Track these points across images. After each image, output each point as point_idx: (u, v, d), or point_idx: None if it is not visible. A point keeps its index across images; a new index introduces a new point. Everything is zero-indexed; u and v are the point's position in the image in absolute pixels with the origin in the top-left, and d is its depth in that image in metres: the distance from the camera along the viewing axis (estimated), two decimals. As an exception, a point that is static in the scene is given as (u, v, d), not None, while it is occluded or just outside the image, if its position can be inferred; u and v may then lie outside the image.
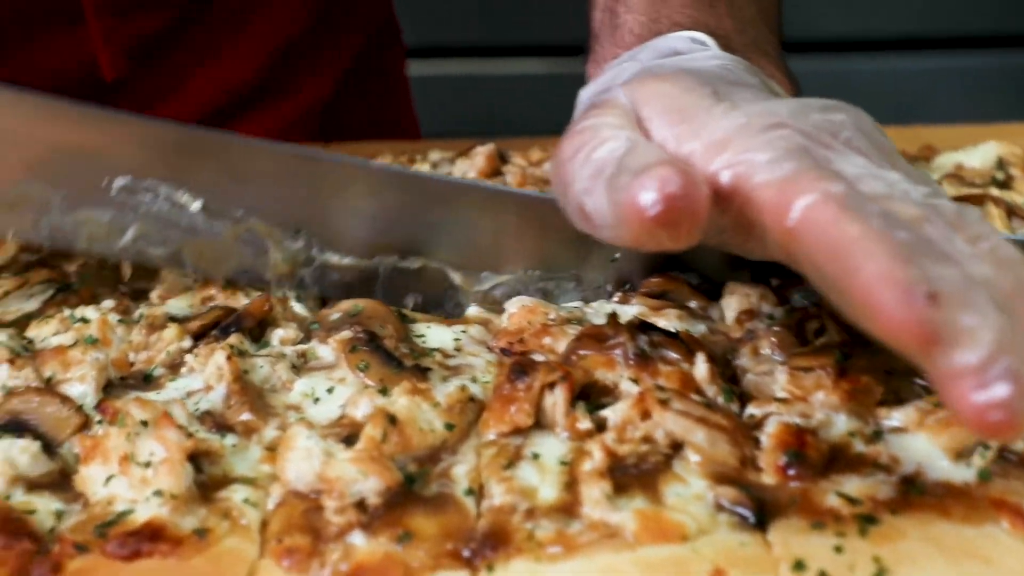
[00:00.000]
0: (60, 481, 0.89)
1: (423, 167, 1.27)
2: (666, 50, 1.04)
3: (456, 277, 1.08)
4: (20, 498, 0.87)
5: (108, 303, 1.07)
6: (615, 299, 1.08)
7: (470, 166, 1.30)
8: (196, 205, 1.05)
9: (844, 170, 0.82)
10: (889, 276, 0.72)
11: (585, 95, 1.07)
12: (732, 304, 1.03)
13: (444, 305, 1.09)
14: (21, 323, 1.07)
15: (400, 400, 0.89)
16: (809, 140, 0.84)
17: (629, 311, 1.04)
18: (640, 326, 0.95)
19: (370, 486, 0.82)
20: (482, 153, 1.30)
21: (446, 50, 3.03)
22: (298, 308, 1.07)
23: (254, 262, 1.07)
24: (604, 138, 0.89)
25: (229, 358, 0.95)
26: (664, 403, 0.86)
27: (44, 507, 0.86)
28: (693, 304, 1.05)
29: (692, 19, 1.08)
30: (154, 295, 1.09)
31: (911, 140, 1.45)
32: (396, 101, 1.92)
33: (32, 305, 1.10)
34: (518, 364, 0.91)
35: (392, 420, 0.87)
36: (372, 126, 1.74)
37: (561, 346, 0.98)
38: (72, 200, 1.04)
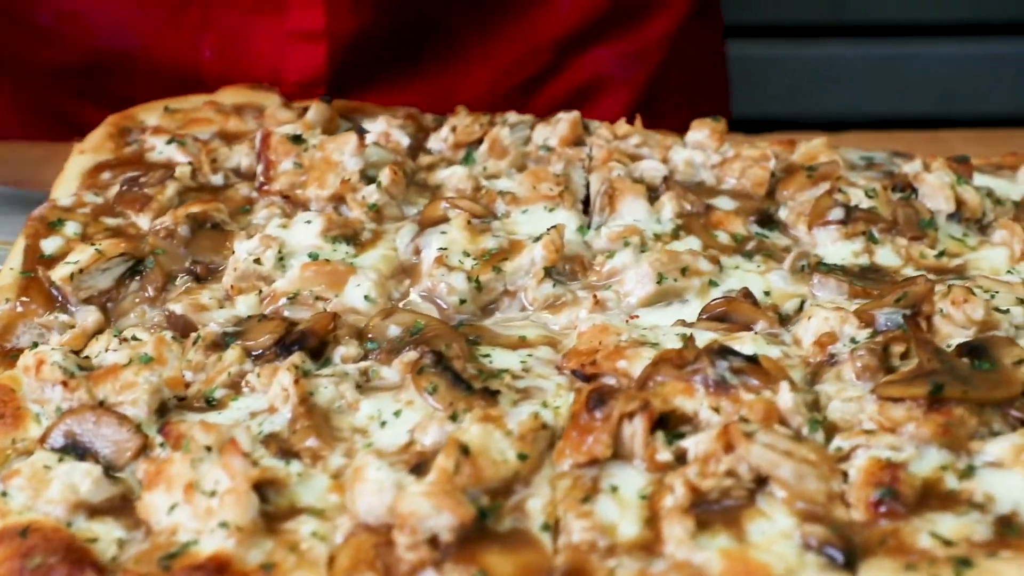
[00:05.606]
0: (122, 507, 0.86)
1: (503, 131, 1.25)
2: None
3: None
4: (82, 525, 0.84)
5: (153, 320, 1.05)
6: (676, 321, 1.04)
7: (551, 133, 1.27)
8: None
9: None
10: None
11: None
12: (811, 327, 0.99)
13: None
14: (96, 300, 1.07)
15: (472, 428, 0.86)
16: None
17: (704, 336, 0.99)
18: (719, 351, 0.91)
19: (443, 522, 0.79)
20: (566, 120, 1.27)
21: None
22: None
23: None
24: None
25: (296, 381, 0.92)
26: (749, 436, 0.83)
27: (107, 535, 0.84)
28: (761, 325, 1.01)
29: None
30: (227, 281, 1.07)
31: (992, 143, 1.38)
32: (712, 69, 1.90)
33: (107, 282, 1.08)
34: (596, 393, 0.87)
35: (465, 451, 0.84)
36: (692, 86, 1.75)
37: (637, 369, 0.94)
38: None
